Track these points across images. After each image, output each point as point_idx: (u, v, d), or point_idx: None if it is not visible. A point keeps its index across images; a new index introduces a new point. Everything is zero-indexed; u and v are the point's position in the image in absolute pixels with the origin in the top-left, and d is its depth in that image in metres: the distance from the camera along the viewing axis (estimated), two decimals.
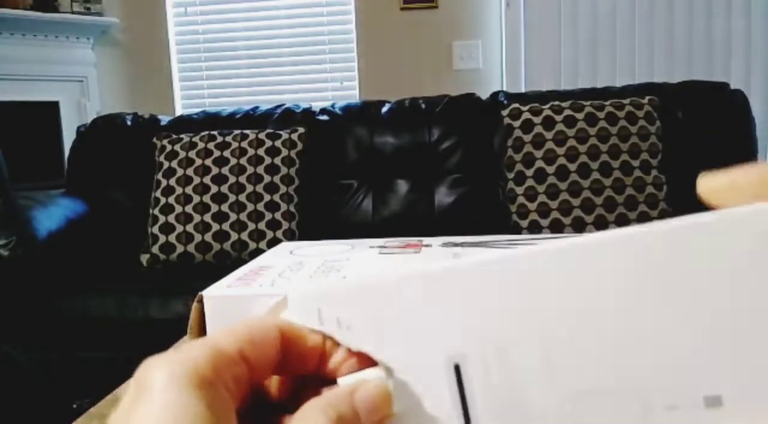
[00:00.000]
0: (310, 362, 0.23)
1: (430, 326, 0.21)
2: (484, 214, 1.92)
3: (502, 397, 0.20)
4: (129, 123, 2.11)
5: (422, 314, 0.22)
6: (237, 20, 2.75)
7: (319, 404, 0.21)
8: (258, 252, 1.75)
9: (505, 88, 2.53)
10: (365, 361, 0.22)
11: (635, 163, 1.79)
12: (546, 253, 0.20)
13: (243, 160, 1.86)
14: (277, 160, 1.88)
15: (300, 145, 1.92)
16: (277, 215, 1.84)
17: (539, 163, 1.82)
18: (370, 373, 0.22)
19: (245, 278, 0.40)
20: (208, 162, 1.86)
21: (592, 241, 0.19)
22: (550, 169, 1.81)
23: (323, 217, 1.96)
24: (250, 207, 1.83)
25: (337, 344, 0.23)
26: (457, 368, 0.21)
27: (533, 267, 0.20)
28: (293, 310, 0.23)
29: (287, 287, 0.23)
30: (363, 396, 0.21)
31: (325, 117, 2.08)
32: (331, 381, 0.22)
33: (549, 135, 1.82)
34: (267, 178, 1.86)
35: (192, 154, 1.88)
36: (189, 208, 1.83)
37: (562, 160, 1.80)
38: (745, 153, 1.94)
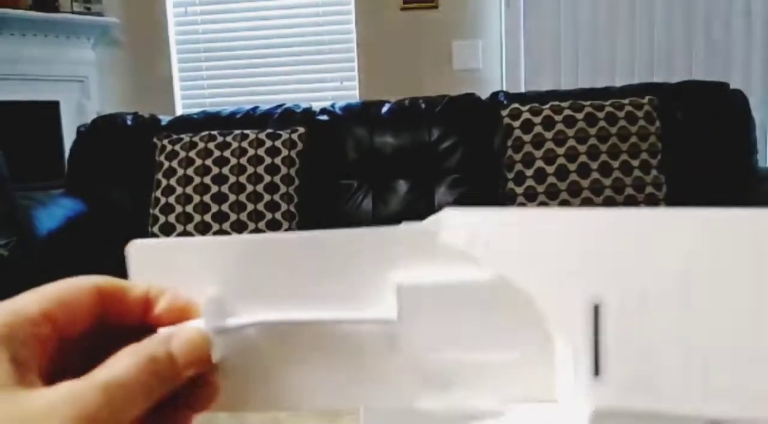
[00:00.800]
0: (133, 315, 0.24)
1: (569, 266, 0.22)
2: None
3: (636, 344, 0.21)
4: (129, 123, 2.11)
5: (562, 253, 0.22)
6: (237, 20, 2.75)
7: (133, 347, 0.22)
8: None
9: (504, 88, 2.53)
10: (188, 313, 0.24)
11: (635, 163, 1.79)
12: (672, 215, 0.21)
13: (243, 160, 1.86)
14: (277, 160, 1.88)
15: (300, 145, 1.92)
16: (277, 215, 1.84)
17: (539, 163, 1.82)
18: (192, 323, 0.23)
19: None
20: (209, 162, 1.86)
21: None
22: (550, 169, 1.81)
23: (323, 217, 1.96)
24: (250, 207, 1.83)
25: (161, 296, 0.24)
26: (596, 309, 0.21)
27: (658, 226, 0.21)
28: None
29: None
30: (179, 340, 0.22)
31: (325, 117, 2.08)
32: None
33: (549, 135, 1.82)
34: (267, 178, 1.86)
35: (192, 154, 1.88)
36: (189, 209, 1.84)
37: (561, 160, 1.80)
38: (745, 153, 1.95)
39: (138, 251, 0.25)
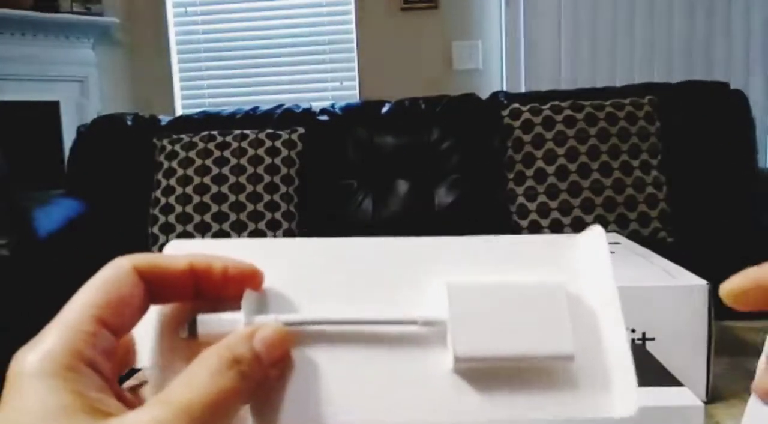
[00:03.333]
0: (181, 289, 0.22)
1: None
2: (484, 214, 1.92)
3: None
4: (129, 123, 2.11)
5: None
6: (237, 20, 2.75)
7: (216, 348, 0.20)
8: None
9: (504, 89, 2.53)
10: (255, 277, 0.23)
11: (635, 163, 1.79)
12: None
13: (243, 161, 1.86)
14: (277, 161, 1.88)
15: (300, 146, 1.92)
16: (277, 215, 1.84)
17: (539, 163, 1.82)
18: (264, 318, 0.23)
19: None
20: (208, 162, 1.86)
21: None
22: (550, 169, 1.81)
23: (323, 217, 1.96)
24: (249, 207, 1.83)
25: (212, 264, 0.22)
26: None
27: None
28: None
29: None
30: (262, 336, 0.21)
31: (325, 117, 2.08)
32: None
33: (549, 135, 1.82)
34: (267, 179, 1.86)
35: (192, 154, 1.88)
36: (189, 209, 1.83)
37: (562, 160, 1.80)
38: (745, 153, 1.94)
39: (176, 250, 0.24)
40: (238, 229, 1.82)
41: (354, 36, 2.67)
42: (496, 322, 0.23)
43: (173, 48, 2.78)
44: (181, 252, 0.24)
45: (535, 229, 1.79)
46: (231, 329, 0.22)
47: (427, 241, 0.26)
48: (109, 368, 0.20)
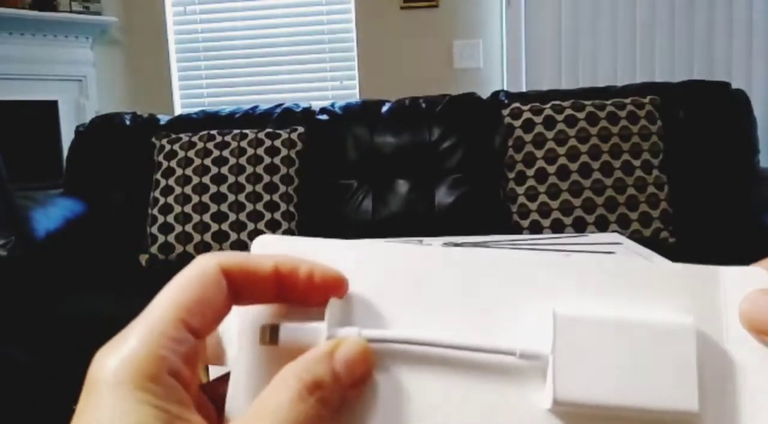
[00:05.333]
0: (265, 293, 0.22)
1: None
2: (484, 214, 1.92)
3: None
4: (128, 122, 2.10)
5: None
6: (236, 19, 2.74)
7: (295, 369, 0.20)
8: None
9: (505, 88, 2.52)
10: (340, 284, 0.22)
11: (636, 162, 1.78)
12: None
13: (242, 160, 1.85)
14: (277, 160, 1.87)
15: (300, 145, 1.91)
16: (277, 215, 1.83)
17: (540, 163, 1.81)
18: (347, 331, 0.21)
19: None
20: (207, 162, 1.85)
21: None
22: (551, 169, 1.80)
23: (323, 217, 1.95)
24: (249, 207, 1.82)
25: (298, 268, 0.21)
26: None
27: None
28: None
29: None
30: (342, 356, 0.20)
31: (325, 117, 2.07)
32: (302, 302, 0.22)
33: (550, 135, 1.81)
34: (266, 178, 1.85)
35: (191, 153, 1.87)
36: (188, 208, 1.83)
37: (563, 160, 1.80)
38: (747, 153, 1.94)
39: (263, 246, 0.23)
40: (238, 229, 1.81)
41: (354, 35, 2.66)
42: (608, 363, 0.20)
43: (172, 47, 2.77)
44: (268, 249, 0.23)
45: (536, 229, 1.78)
46: (314, 339, 0.21)
47: (536, 257, 0.22)
48: (191, 376, 0.19)
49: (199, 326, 0.20)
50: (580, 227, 1.76)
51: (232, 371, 0.22)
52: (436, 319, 0.22)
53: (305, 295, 0.22)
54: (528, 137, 1.83)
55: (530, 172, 1.82)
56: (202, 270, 0.21)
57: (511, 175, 1.85)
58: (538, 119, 1.83)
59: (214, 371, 0.23)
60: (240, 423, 0.19)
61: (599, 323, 0.21)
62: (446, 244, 0.50)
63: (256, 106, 2.14)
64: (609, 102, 1.83)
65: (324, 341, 0.21)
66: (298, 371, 0.19)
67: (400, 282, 0.22)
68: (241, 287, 0.21)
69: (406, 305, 0.22)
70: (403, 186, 1.98)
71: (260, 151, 1.87)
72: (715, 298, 0.21)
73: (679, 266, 0.22)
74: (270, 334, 0.21)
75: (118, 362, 0.18)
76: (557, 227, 1.77)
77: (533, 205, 1.80)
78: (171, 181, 1.85)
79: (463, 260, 0.22)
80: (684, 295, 0.21)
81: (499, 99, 2.01)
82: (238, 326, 0.22)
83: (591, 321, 0.21)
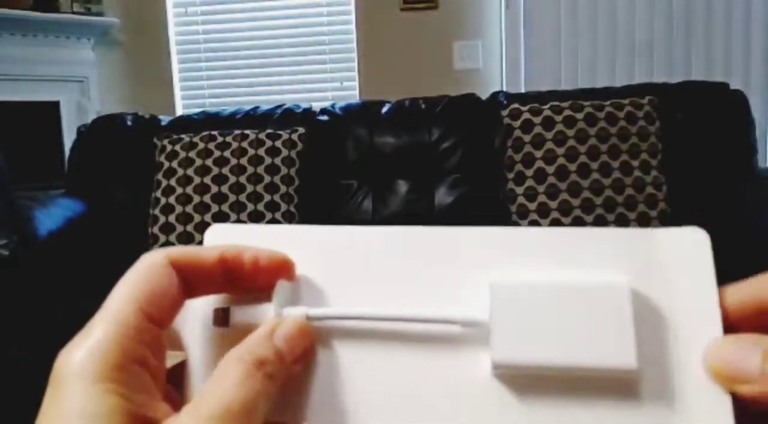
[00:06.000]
0: (216, 280, 0.22)
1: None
2: (484, 214, 1.92)
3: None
4: (129, 123, 2.11)
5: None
6: (237, 20, 2.75)
7: (238, 351, 0.20)
8: None
9: (504, 89, 2.53)
10: (287, 267, 0.22)
11: (635, 163, 1.79)
12: None
13: (243, 161, 1.86)
14: (278, 161, 1.88)
15: (300, 146, 1.92)
16: (277, 215, 1.84)
17: (539, 163, 1.82)
18: (293, 310, 0.22)
19: None
20: (209, 162, 1.86)
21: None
22: (550, 169, 1.81)
23: (323, 217, 1.96)
24: (250, 207, 1.83)
25: (243, 254, 0.22)
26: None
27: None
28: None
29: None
30: (283, 333, 0.21)
31: (325, 117, 2.08)
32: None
33: (549, 135, 1.82)
34: (267, 179, 1.86)
35: (192, 154, 1.88)
36: (189, 209, 1.84)
37: (561, 160, 1.80)
38: (745, 153, 1.94)
39: (216, 234, 0.24)
40: None
41: (354, 36, 2.67)
42: (546, 326, 0.21)
43: (173, 48, 2.78)
44: (220, 237, 0.24)
45: None
46: (263, 319, 0.22)
47: (472, 231, 0.23)
48: (157, 365, 0.20)
49: (158, 317, 0.20)
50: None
51: (188, 355, 0.23)
52: (381, 295, 0.22)
53: (252, 280, 0.22)
54: (527, 138, 1.84)
55: (529, 172, 1.83)
56: (151, 264, 0.21)
57: (510, 176, 1.86)
58: (537, 120, 1.84)
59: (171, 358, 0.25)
60: (191, 406, 0.19)
61: (535, 288, 0.21)
62: None
63: (257, 107, 2.15)
64: (607, 103, 1.84)
65: (271, 320, 0.22)
66: (242, 352, 0.20)
67: (345, 262, 0.23)
68: (190, 278, 0.22)
69: (351, 284, 0.23)
70: (403, 186, 1.99)
71: (261, 151, 1.87)
72: (650, 258, 0.21)
73: (614, 230, 0.22)
74: (221, 316, 0.22)
75: (83, 355, 0.18)
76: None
77: (532, 206, 1.81)
78: (172, 182, 1.86)
79: (405, 238, 0.23)
80: (619, 256, 0.22)
81: (498, 100, 2.01)
82: (191, 311, 0.23)
83: (527, 286, 0.21)
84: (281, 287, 0.22)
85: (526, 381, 0.21)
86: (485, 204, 1.94)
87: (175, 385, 0.22)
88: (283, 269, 0.22)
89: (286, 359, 0.21)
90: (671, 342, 0.21)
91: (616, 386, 0.20)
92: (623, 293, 0.21)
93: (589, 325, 0.20)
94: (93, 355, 0.19)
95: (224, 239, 0.24)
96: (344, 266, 0.23)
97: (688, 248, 0.22)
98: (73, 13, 2.65)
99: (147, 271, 0.21)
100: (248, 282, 0.22)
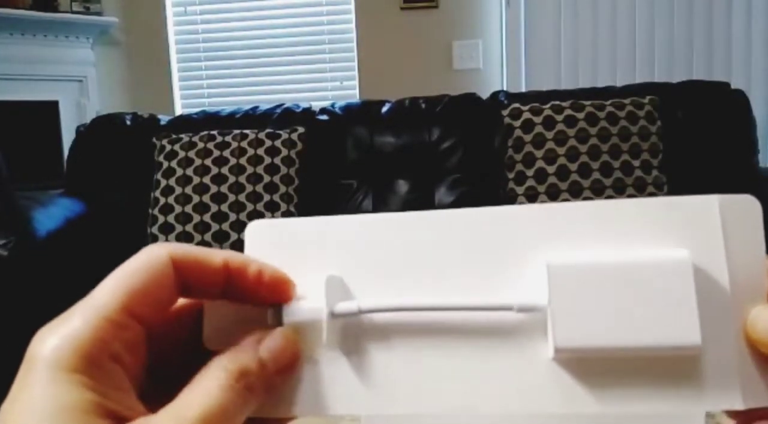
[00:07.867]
0: (215, 286, 0.22)
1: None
2: None
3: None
4: (128, 123, 2.10)
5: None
6: (237, 20, 2.75)
7: (222, 359, 0.20)
8: None
9: (505, 88, 2.53)
10: (286, 287, 0.22)
11: (636, 163, 1.78)
12: None
13: (243, 160, 1.86)
14: (277, 160, 1.87)
15: (300, 145, 1.91)
16: (277, 215, 1.84)
17: (540, 163, 1.82)
18: (309, 305, 0.21)
19: None
20: (208, 162, 1.86)
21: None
22: (551, 169, 1.81)
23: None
24: (249, 207, 1.83)
25: (247, 266, 0.22)
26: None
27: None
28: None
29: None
30: (269, 345, 0.21)
31: (325, 117, 2.07)
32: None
33: (549, 135, 1.82)
34: (267, 178, 1.85)
35: (191, 154, 1.87)
36: (188, 209, 1.83)
37: (562, 160, 1.80)
38: (746, 153, 1.94)
39: (256, 231, 0.23)
40: (238, 229, 1.81)
41: (354, 36, 2.66)
42: (606, 306, 0.20)
43: (173, 47, 2.78)
44: (261, 233, 0.23)
45: None
46: (317, 317, 0.21)
47: (523, 210, 0.22)
48: (135, 363, 0.19)
49: (144, 314, 0.20)
50: None
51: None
52: (431, 284, 0.22)
53: (252, 293, 0.22)
54: (527, 137, 1.84)
55: (530, 172, 1.83)
56: (151, 259, 0.21)
57: (511, 176, 1.85)
58: (537, 119, 1.84)
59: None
60: (170, 408, 0.19)
61: (593, 268, 0.20)
62: None
63: (257, 107, 2.14)
64: (608, 102, 1.84)
65: (325, 316, 0.21)
66: (225, 361, 0.20)
67: (391, 251, 0.22)
68: (189, 279, 0.21)
69: (399, 274, 0.22)
70: (403, 186, 1.99)
71: (260, 151, 1.87)
72: (707, 227, 0.21)
73: (670, 199, 0.22)
74: (275, 316, 0.22)
75: (58, 341, 0.18)
76: None
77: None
78: (171, 182, 1.86)
79: (448, 222, 0.22)
80: (676, 227, 0.21)
81: (498, 99, 2.01)
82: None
83: (584, 267, 0.20)
84: (330, 281, 0.22)
85: (587, 364, 0.20)
86: (485, 204, 1.92)
87: (165, 385, 0.22)
88: (284, 288, 0.22)
89: (269, 371, 0.20)
90: (726, 315, 0.20)
91: (679, 363, 0.20)
92: (686, 268, 0.20)
93: (651, 302, 0.20)
94: (67, 344, 0.18)
95: (266, 234, 0.23)
96: (390, 256, 0.22)
97: (742, 217, 0.21)
98: (72, 12, 2.64)
99: (144, 265, 0.21)
100: (247, 294, 0.22)
